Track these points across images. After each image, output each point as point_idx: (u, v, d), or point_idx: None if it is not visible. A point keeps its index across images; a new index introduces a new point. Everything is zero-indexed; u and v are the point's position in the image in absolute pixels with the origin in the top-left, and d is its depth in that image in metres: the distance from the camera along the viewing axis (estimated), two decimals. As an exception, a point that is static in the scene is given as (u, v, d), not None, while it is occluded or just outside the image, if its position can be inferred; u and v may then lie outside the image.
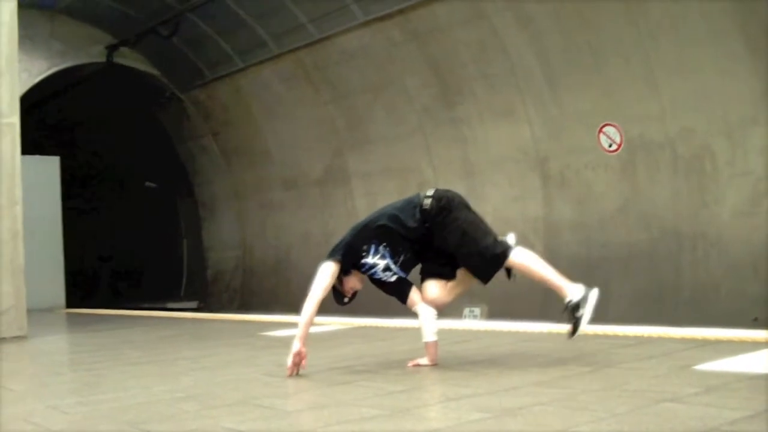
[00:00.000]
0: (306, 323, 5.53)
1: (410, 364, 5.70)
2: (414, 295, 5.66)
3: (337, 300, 5.73)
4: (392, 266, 5.55)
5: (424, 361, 5.67)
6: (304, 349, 5.53)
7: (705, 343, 6.07)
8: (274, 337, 8.59)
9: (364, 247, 5.52)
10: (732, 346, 5.84)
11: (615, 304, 12.39)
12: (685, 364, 5.15)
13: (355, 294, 5.76)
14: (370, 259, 5.52)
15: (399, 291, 5.68)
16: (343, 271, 5.58)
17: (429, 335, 5.66)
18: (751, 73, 10.81)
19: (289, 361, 5.50)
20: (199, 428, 4.19)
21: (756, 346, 5.75)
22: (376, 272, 5.56)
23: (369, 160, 16.76)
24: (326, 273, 5.52)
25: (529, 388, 4.71)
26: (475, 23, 13.54)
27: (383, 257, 5.52)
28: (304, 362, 5.55)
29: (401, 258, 5.58)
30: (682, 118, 11.68)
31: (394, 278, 5.59)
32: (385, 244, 5.52)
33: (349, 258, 5.55)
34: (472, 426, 3.86)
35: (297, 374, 5.53)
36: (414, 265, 5.70)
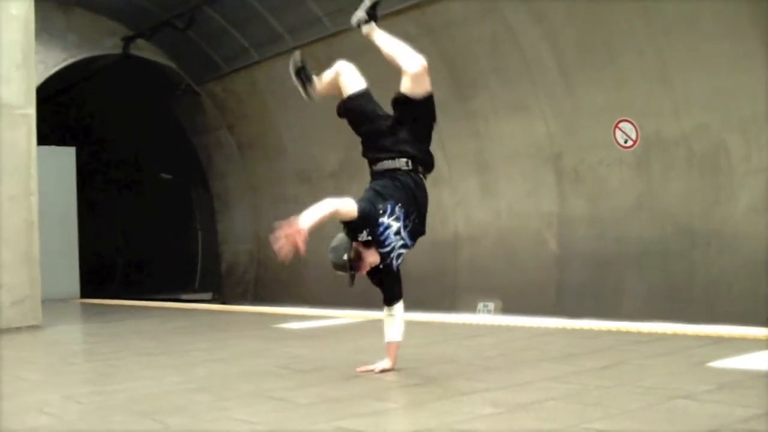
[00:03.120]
0: (325, 214, 4.95)
1: (362, 369, 5.44)
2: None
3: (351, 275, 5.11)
4: (402, 231, 5.20)
5: (385, 364, 5.40)
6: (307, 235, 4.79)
7: (718, 341, 6.06)
8: (288, 329, 8.61)
9: (380, 207, 5.12)
10: (745, 343, 5.83)
11: (628, 300, 12.37)
12: (699, 362, 5.15)
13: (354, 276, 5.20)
14: (386, 219, 5.11)
15: (393, 283, 5.40)
16: (364, 244, 5.11)
17: (400, 334, 5.43)
18: (765, 69, 10.74)
19: (283, 235, 4.74)
20: (211, 420, 4.21)
21: (769, 344, 5.74)
22: (388, 236, 5.14)
23: (383, 154, 16.72)
24: (347, 202, 5.05)
25: (542, 384, 4.72)
26: (489, 18, 13.51)
27: (398, 219, 5.16)
28: (302, 247, 4.71)
29: (410, 223, 5.24)
30: (697, 114, 11.63)
31: (400, 244, 5.23)
32: (401, 204, 5.18)
33: (370, 216, 5.07)
34: (485, 420, 3.87)
35: (288, 258, 4.74)
36: (419, 231, 5.37)
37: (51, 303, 12.97)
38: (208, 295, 22.21)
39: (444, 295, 14.62)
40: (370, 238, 5.09)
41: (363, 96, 5.53)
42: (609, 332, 6.96)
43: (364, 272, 5.17)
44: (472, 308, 14.07)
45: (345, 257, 5.00)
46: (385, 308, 5.44)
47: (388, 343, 5.43)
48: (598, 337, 6.79)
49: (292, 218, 4.78)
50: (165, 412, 4.43)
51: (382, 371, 5.35)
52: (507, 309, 13.54)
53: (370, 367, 5.41)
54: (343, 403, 4.47)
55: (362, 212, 5.00)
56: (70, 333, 10.57)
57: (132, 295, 20.13)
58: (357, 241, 5.08)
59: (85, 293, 18.13)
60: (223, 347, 7.54)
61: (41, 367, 7.11)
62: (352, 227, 5.06)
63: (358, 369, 5.45)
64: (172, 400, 4.77)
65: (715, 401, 4.01)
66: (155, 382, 5.47)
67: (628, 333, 6.83)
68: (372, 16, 5.89)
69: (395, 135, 5.33)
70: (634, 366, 5.22)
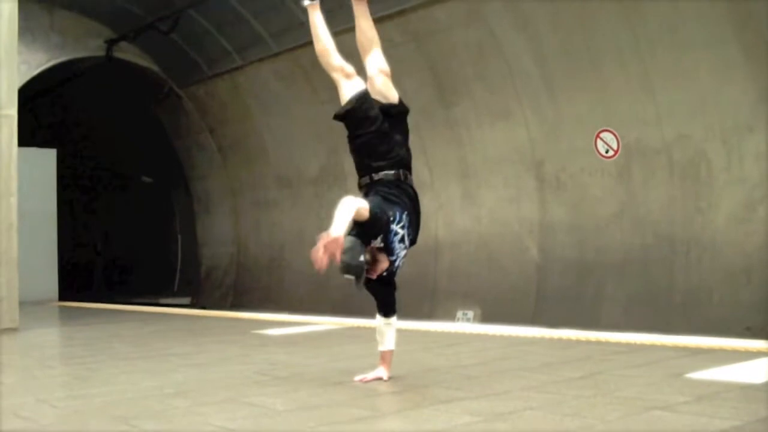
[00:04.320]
0: (351, 215, 4.72)
1: (365, 379, 5.32)
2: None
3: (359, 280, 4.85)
4: (405, 239, 5.15)
5: (382, 372, 5.33)
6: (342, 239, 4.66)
7: (697, 352, 6.07)
8: (267, 335, 8.58)
9: (390, 213, 5.02)
10: (724, 355, 5.85)
11: (608, 308, 12.40)
12: (677, 372, 5.16)
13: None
14: (394, 226, 5.04)
15: (392, 293, 5.34)
16: (377, 249, 5.02)
17: (394, 343, 5.38)
18: (747, 80, 10.81)
19: (322, 250, 4.57)
20: (188, 425, 4.19)
21: (748, 355, 5.76)
22: (393, 242, 5.05)
23: (365, 159, 16.70)
24: (363, 202, 4.87)
25: (520, 393, 4.71)
26: (473, 25, 13.52)
27: (403, 227, 5.11)
28: (338, 256, 4.62)
29: (412, 232, 5.21)
30: (678, 123, 11.68)
31: (403, 253, 5.17)
32: (407, 212, 5.14)
33: (381, 221, 4.95)
34: (463, 429, 3.86)
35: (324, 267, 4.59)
36: (414, 240, 5.30)
37: (29, 305, 12.90)
38: (186, 300, 22.12)
39: (423, 301, 14.62)
40: (382, 245, 5.04)
41: (366, 97, 5.35)
42: (587, 342, 6.97)
43: (375, 276, 5.07)
44: (451, 314, 14.07)
45: (362, 258, 4.78)
46: (382, 318, 5.35)
47: (385, 351, 5.36)
48: (576, 346, 6.79)
49: (324, 233, 4.62)
50: (142, 417, 4.40)
51: (377, 379, 5.29)
52: (486, 315, 13.55)
53: (370, 377, 5.31)
54: (321, 410, 4.45)
55: (374, 215, 4.87)
56: (48, 336, 10.51)
57: (110, 298, 20.06)
58: (370, 246, 4.98)
59: (63, 296, 18.04)
60: (201, 352, 7.51)
61: (17, 370, 7.05)
62: (365, 233, 4.90)
63: (357, 378, 5.33)
64: (149, 405, 4.74)
65: (692, 413, 4.02)
66: (132, 387, 5.44)
67: (606, 343, 6.84)
68: None
69: (392, 139, 5.29)
70: (612, 376, 5.23)
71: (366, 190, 5.21)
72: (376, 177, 5.20)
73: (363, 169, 5.30)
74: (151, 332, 9.89)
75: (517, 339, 7.40)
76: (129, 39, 19.34)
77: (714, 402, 4.26)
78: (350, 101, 5.33)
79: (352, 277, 4.78)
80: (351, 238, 4.82)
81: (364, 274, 4.85)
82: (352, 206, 4.75)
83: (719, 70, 11.03)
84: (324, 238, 4.58)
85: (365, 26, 5.62)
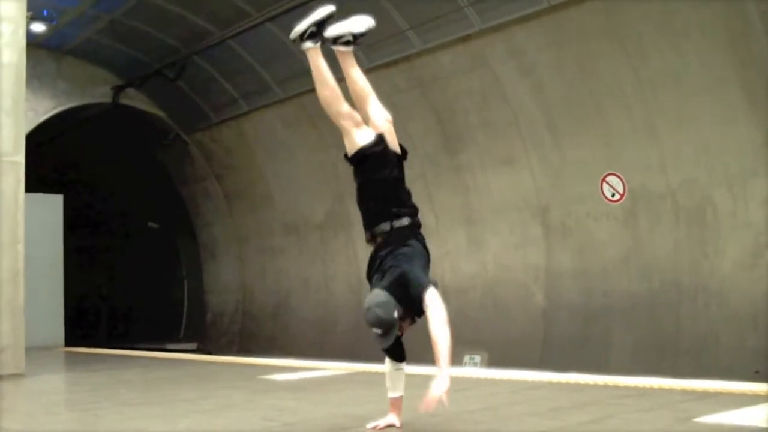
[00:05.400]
0: (450, 342, 4.85)
1: (377, 426, 5.23)
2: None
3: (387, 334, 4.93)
4: None
5: (394, 419, 5.26)
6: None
7: (705, 395, 6.04)
8: (274, 380, 8.55)
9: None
10: (732, 398, 5.82)
11: (616, 354, 12.34)
12: (685, 417, 5.13)
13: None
14: None
15: (400, 340, 5.19)
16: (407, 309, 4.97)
17: (402, 388, 5.31)
18: (751, 124, 10.84)
19: (436, 394, 4.69)
20: (195, 472, 4.17)
21: (756, 399, 5.73)
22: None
23: (371, 205, 16.68)
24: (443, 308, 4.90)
25: (528, 438, 4.69)
26: (477, 71, 13.60)
27: None
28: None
29: None
30: (684, 168, 11.70)
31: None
32: (430, 273, 5.11)
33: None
34: (471, 475, 3.84)
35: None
36: None
37: (34, 351, 12.85)
38: (192, 345, 22.05)
39: (429, 347, 14.56)
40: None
41: (385, 142, 5.31)
42: (595, 386, 6.93)
43: (402, 334, 5.01)
44: (458, 359, 14.00)
45: (396, 314, 4.80)
46: (394, 363, 5.26)
47: (396, 397, 5.28)
48: (584, 390, 6.76)
49: (440, 380, 4.75)
50: (148, 463, 4.38)
51: (390, 426, 5.21)
52: (493, 361, 13.48)
53: (382, 424, 5.23)
54: (328, 455, 4.43)
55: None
56: (53, 382, 10.47)
57: (117, 343, 20.00)
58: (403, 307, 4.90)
59: (69, 341, 18.00)
60: (208, 398, 7.48)
61: (23, 416, 7.03)
62: (400, 299, 4.86)
63: (369, 426, 5.24)
64: (156, 452, 4.73)
65: (701, 457, 4.00)
66: (138, 433, 5.42)
67: (614, 387, 6.81)
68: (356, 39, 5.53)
69: (405, 185, 5.31)
70: (620, 420, 5.20)
71: (388, 238, 5.12)
72: (396, 224, 5.14)
73: (381, 214, 5.20)
74: (157, 378, 9.86)
75: (525, 383, 7.37)
76: (135, 86, 19.47)
77: (723, 446, 4.24)
78: (371, 144, 5.24)
79: (379, 331, 4.77)
80: (380, 293, 4.83)
81: (395, 331, 4.83)
82: (447, 332, 4.87)
83: (723, 113, 11.07)
84: (443, 384, 4.71)
85: (356, 75, 5.51)
